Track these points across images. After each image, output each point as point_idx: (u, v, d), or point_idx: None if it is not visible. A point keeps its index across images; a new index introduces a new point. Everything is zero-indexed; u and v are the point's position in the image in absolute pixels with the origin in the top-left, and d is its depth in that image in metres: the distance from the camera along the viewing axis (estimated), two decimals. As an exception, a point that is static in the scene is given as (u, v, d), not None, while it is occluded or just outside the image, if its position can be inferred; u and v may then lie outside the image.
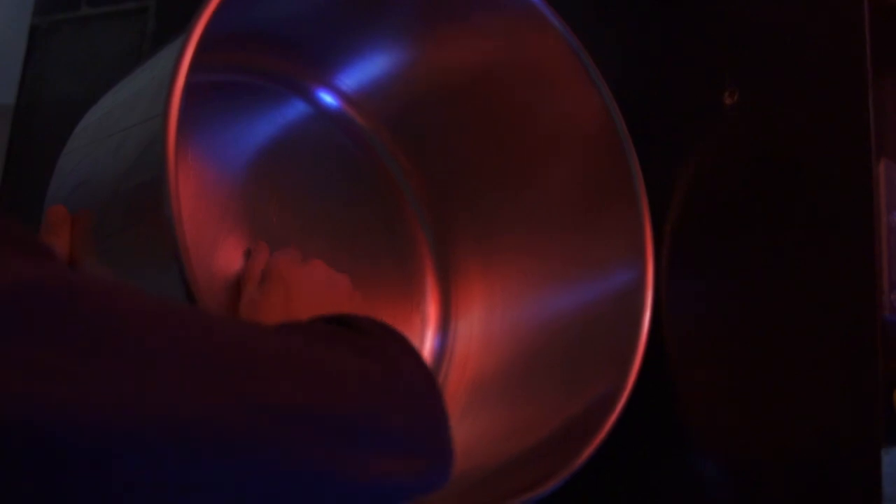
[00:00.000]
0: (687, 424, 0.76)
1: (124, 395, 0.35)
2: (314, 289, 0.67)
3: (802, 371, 0.70)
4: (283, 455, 0.39)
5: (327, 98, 0.82)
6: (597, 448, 0.69)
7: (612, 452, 0.69)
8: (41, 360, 0.34)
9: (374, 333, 0.50)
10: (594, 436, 0.69)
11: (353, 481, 0.43)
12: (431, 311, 0.85)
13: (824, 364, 0.69)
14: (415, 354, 0.51)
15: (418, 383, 0.49)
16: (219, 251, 0.72)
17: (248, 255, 0.72)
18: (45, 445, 0.34)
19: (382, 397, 0.45)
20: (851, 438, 0.67)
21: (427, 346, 0.84)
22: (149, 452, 0.36)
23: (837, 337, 0.69)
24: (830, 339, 0.69)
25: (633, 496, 0.78)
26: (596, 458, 0.68)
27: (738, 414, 0.74)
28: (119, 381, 0.35)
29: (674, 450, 0.76)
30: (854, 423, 0.67)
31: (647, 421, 0.75)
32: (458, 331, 0.85)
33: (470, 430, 0.77)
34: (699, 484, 0.75)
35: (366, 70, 0.82)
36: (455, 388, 0.82)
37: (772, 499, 0.71)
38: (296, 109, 0.81)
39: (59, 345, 0.34)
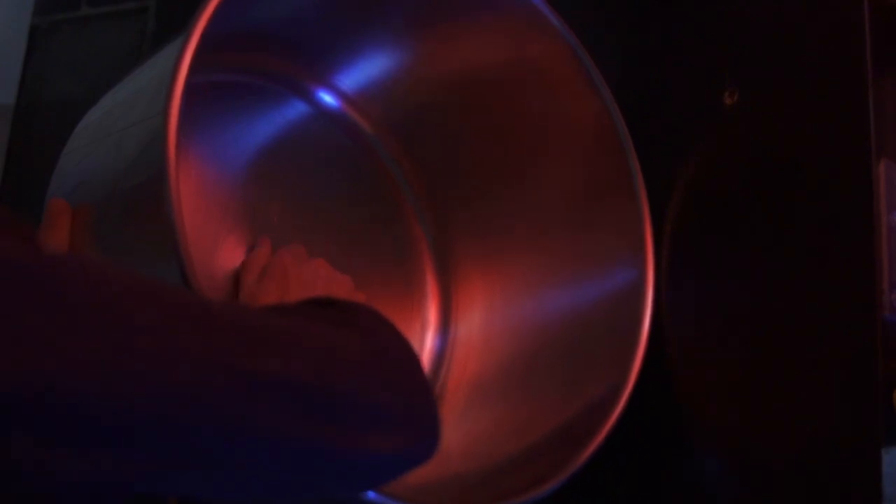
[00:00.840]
0: (687, 425, 0.76)
1: (112, 366, 0.36)
2: (314, 286, 0.67)
3: (802, 371, 0.70)
4: (268, 425, 0.40)
5: (327, 98, 0.82)
6: (597, 448, 0.69)
7: (612, 452, 0.69)
8: (30, 333, 0.34)
9: (353, 309, 0.51)
10: (594, 436, 0.69)
11: (336, 451, 0.43)
12: (431, 311, 0.85)
13: (824, 364, 0.69)
14: (393, 329, 0.52)
15: (397, 353, 0.50)
16: (219, 251, 0.72)
17: (251, 249, 0.72)
18: (33, 418, 0.34)
19: (363, 369, 0.45)
20: (851, 438, 0.67)
21: (427, 347, 0.84)
22: (141, 424, 0.37)
23: (837, 337, 0.69)
24: (830, 339, 0.69)
25: (634, 496, 0.78)
26: (596, 458, 0.68)
27: (738, 414, 0.74)
28: (107, 352, 0.36)
29: (674, 450, 0.76)
30: (854, 423, 0.67)
31: (648, 421, 0.75)
32: (458, 331, 0.85)
33: (470, 430, 0.77)
34: (699, 484, 0.75)
35: (366, 70, 0.82)
36: (455, 387, 0.82)
37: (772, 499, 0.71)
38: (296, 109, 0.81)
39: (48, 318, 0.35)
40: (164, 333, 0.38)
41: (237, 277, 0.70)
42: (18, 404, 0.34)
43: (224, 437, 0.39)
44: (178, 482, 0.41)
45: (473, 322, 0.84)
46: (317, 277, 0.68)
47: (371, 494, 0.57)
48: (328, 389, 0.43)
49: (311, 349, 0.44)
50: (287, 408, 0.41)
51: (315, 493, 0.49)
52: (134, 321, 0.37)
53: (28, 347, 0.34)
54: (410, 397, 0.48)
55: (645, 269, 0.75)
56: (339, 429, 0.43)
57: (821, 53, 0.73)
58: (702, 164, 0.78)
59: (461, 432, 0.77)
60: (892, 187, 0.76)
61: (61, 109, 1.06)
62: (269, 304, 0.51)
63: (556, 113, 0.80)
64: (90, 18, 1.10)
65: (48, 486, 0.36)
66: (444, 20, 0.78)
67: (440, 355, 0.84)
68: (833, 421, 0.68)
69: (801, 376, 0.70)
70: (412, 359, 0.50)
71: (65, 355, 0.35)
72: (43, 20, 1.13)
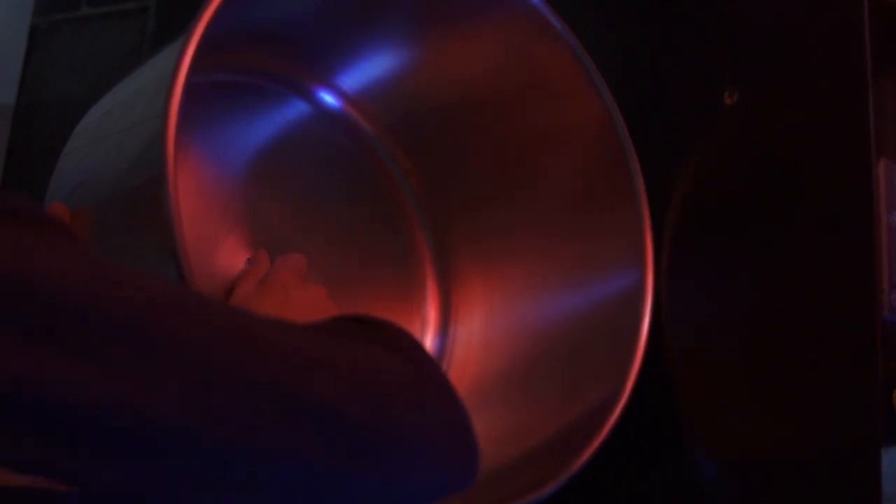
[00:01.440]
0: (687, 425, 0.76)
1: (149, 380, 0.35)
2: (310, 307, 0.66)
3: (802, 371, 0.70)
4: (307, 451, 0.39)
5: (328, 98, 0.82)
6: (597, 450, 0.69)
7: (612, 453, 0.69)
8: (70, 345, 0.34)
9: (395, 333, 0.50)
10: (594, 438, 0.69)
11: (382, 482, 0.42)
12: (431, 312, 0.85)
13: (824, 364, 0.69)
14: (430, 355, 0.51)
15: (440, 382, 0.49)
16: (219, 251, 0.72)
17: (249, 262, 0.72)
18: (67, 426, 0.34)
19: (409, 398, 0.44)
20: (851, 438, 0.67)
21: (427, 348, 0.84)
22: (176, 445, 0.36)
23: (837, 337, 0.69)
24: (830, 339, 0.69)
25: (634, 497, 0.78)
26: (596, 460, 0.68)
27: (738, 414, 0.73)
28: (145, 366, 0.35)
29: (674, 450, 0.76)
30: (854, 423, 0.67)
31: (648, 422, 0.75)
32: (457, 333, 0.85)
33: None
34: (699, 485, 0.75)
35: (367, 70, 0.82)
36: (455, 388, 0.81)
37: (772, 499, 0.71)
38: (296, 109, 0.81)
39: (88, 330, 0.34)
40: (205, 351, 0.37)
41: (232, 285, 0.69)
42: (53, 411, 0.34)
43: (261, 460, 0.38)
44: (209, 501, 0.40)
45: (473, 324, 0.84)
46: (316, 299, 0.67)
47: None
48: (372, 418, 0.42)
49: (364, 376, 0.42)
50: (327, 433, 0.40)
51: None
52: (176, 334, 0.37)
53: (72, 359, 0.34)
54: (453, 427, 0.47)
55: (645, 271, 0.75)
56: (378, 458, 0.42)
57: (821, 53, 0.73)
58: (702, 164, 0.78)
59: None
60: (892, 187, 0.76)
61: (61, 109, 1.06)
62: (311, 323, 0.49)
63: (556, 113, 0.80)
64: (90, 18, 1.10)
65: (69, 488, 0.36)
66: (445, 21, 0.78)
67: (439, 357, 0.83)
68: (833, 421, 0.68)
69: (801, 376, 0.70)
70: (451, 387, 0.49)
71: (99, 367, 0.34)
72: (43, 20, 1.13)
